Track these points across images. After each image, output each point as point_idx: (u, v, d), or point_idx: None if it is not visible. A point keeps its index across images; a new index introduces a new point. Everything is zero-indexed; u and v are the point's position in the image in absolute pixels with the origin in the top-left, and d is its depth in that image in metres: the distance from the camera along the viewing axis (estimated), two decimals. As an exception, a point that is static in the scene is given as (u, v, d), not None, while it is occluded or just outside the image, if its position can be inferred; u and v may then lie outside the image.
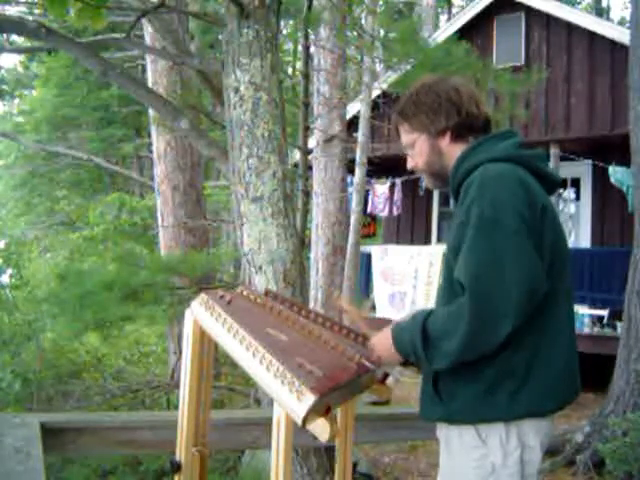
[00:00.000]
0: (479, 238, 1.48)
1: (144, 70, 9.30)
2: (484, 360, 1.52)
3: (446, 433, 1.63)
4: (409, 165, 1.80)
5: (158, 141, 7.45)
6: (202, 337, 1.81)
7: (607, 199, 8.42)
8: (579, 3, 20.85)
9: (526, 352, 1.53)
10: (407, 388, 6.57)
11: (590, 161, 8.22)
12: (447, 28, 9.33)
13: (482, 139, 1.68)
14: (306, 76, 4.91)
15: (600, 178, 8.23)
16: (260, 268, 3.25)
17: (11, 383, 5.58)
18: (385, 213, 9.66)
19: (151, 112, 7.23)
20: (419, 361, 1.58)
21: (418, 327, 1.53)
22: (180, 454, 1.81)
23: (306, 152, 5.01)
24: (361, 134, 8.09)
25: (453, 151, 1.70)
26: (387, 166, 8.78)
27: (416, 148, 1.75)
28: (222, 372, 6.87)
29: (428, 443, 5.04)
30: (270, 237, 3.25)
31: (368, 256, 8.78)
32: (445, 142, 1.71)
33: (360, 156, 8.09)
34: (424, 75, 1.84)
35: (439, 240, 9.75)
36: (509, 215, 1.47)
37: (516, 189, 1.51)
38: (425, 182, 1.87)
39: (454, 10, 19.89)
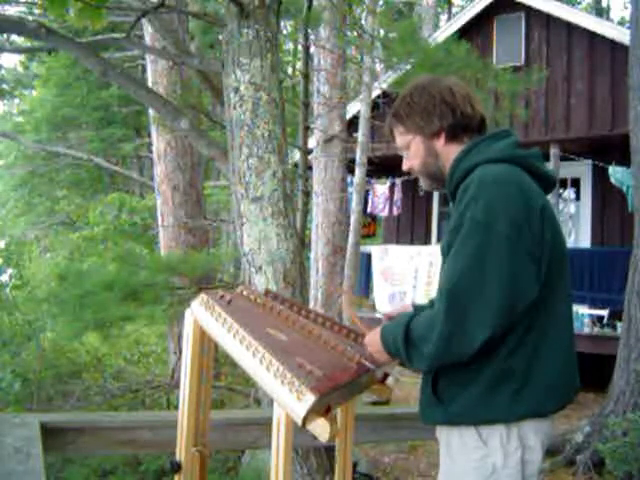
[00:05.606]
0: (467, 243, 1.47)
1: (144, 70, 9.31)
2: (483, 361, 1.52)
3: (446, 434, 1.63)
4: (405, 167, 1.79)
5: (158, 141, 7.46)
6: (202, 337, 1.81)
7: (607, 199, 8.42)
8: (579, 3, 20.83)
9: (526, 352, 1.53)
10: (407, 388, 6.58)
11: (590, 161, 8.22)
12: (447, 28, 9.32)
13: (478, 140, 1.66)
14: (306, 76, 4.91)
15: (600, 178, 8.23)
16: (260, 268, 3.25)
17: (11, 383, 5.58)
18: (385, 213, 9.66)
19: (151, 112, 7.24)
20: (403, 360, 1.59)
21: (402, 328, 1.55)
22: (180, 454, 1.81)
23: (306, 152, 5.02)
24: (361, 134, 8.08)
25: (449, 152, 1.68)
26: (387, 166, 8.77)
27: (411, 150, 1.73)
28: (222, 372, 6.87)
29: (428, 443, 5.04)
30: (270, 237, 3.25)
31: (368, 256, 8.78)
32: (440, 143, 1.69)
33: (360, 156, 8.08)
34: (421, 75, 1.83)
35: (439, 240, 9.73)
36: (501, 220, 1.45)
37: (513, 193, 1.49)
38: (422, 184, 1.84)
39: (454, 10, 19.88)
